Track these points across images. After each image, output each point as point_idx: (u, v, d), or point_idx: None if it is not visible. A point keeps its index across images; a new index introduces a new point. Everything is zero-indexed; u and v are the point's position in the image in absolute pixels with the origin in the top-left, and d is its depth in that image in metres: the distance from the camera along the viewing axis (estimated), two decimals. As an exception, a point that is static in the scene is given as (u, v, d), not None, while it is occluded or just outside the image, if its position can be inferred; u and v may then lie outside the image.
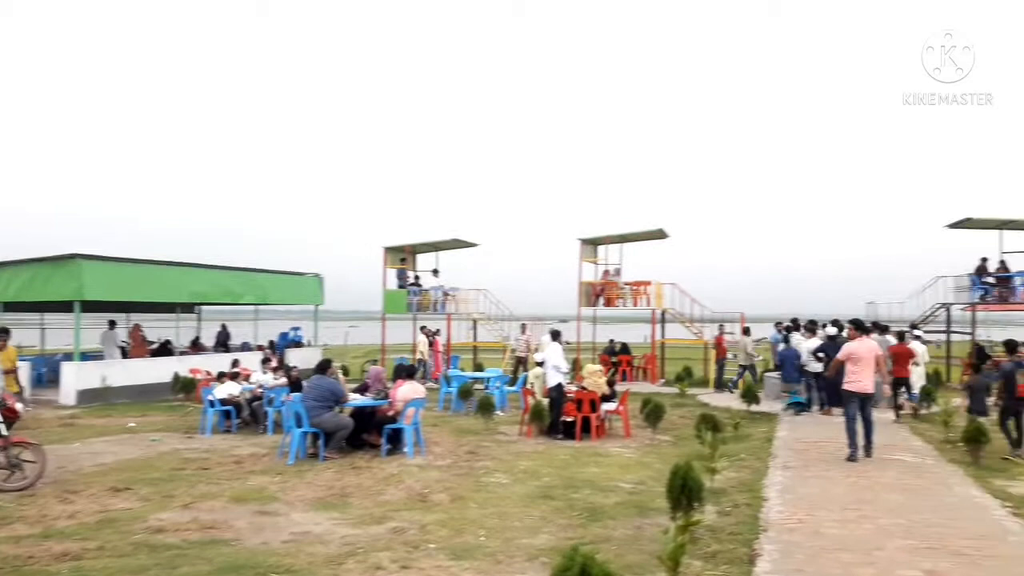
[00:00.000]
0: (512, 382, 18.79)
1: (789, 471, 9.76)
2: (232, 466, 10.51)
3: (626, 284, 24.81)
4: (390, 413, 11.53)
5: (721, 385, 20.85)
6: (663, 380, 23.36)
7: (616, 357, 24.22)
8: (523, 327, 23.55)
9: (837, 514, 7.58)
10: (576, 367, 18.64)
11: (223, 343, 25.14)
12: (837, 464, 10.22)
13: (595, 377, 14.12)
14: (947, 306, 23.19)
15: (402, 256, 25.73)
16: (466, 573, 6.08)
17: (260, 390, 14.34)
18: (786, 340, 18.17)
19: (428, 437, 12.10)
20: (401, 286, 25.29)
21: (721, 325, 22.92)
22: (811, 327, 17.19)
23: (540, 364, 15.19)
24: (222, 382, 14.64)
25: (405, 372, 12.46)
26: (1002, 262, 22.78)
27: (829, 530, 7.01)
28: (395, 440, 11.30)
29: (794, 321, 18.71)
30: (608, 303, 24.75)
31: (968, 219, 22.47)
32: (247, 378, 15.29)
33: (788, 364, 16.76)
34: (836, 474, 9.57)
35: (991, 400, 13.01)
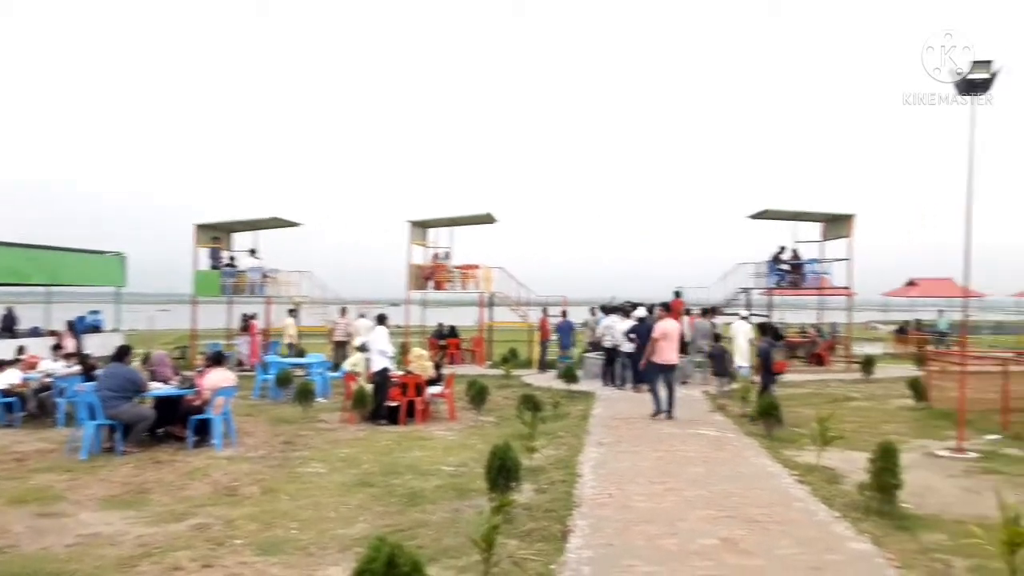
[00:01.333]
0: (335, 368, 18.26)
1: (603, 447, 10.13)
2: (12, 464, 9.47)
3: (455, 268, 24.85)
4: (197, 403, 10.80)
5: (546, 365, 21.38)
6: (490, 362, 23.66)
7: (444, 340, 24.25)
8: (342, 311, 22.93)
9: (645, 488, 7.93)
10: (404, 351, 18.43)
11: (9, 328, 22.60)
12: (647, 439, 10.72)
13: (421, 361, 13.99)
14: (747, 291, 25.07)
15: (215, 235, 24.21)
16: (274, 568, 5.77)
17: (49, 379, 13.00)
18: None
19: (241, 427, 11.48)
20: (215, 267, 23.83)
21: (545, 308, 23.49)
22: (625, 310, 17.94)
23: (361, 349, 14.85)
24: (2, 371, 13.12)
25: (214, 359, 11.72)
26: (795, 251, 24.95)
27: (637, 503, 7.30)
28: (203, 431, 10.60)
29: (614, 305, 19.51)
30: (438, 286, 24.69)
31: (766, 211, 24.38)
32: (33, 366, 13.81)
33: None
34: (645, 449, 10.03)
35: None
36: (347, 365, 14.41)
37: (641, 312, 17.02)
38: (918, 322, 33.25)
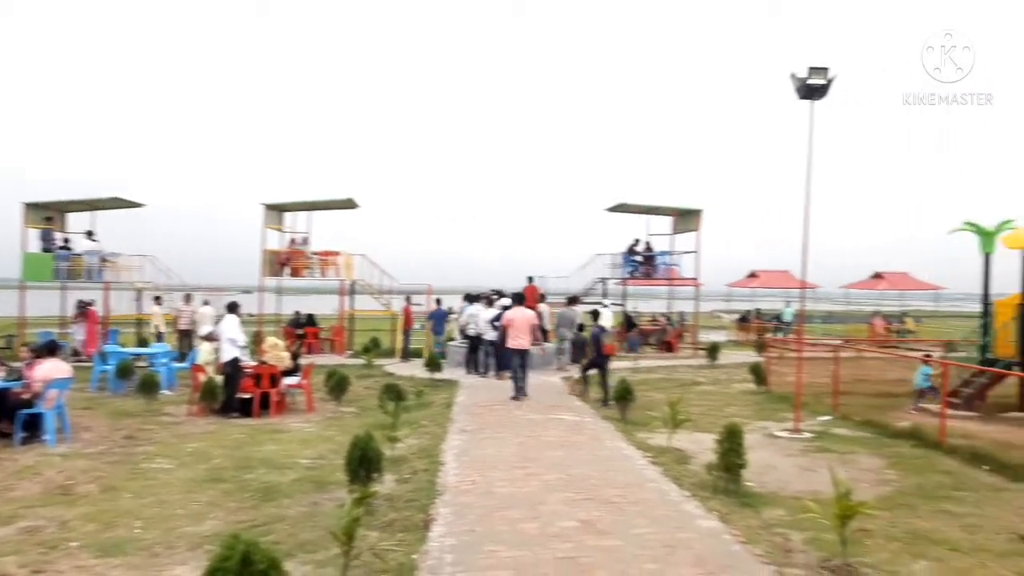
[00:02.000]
0: (181, 358, 17.28)
1: (466, 435, 10.14)
2: None
3: (314, 254, 24.11)
4: (26, 396, 9.90)
5: (409, 354, 21.15)
6: (350, 351, 23.16)
7: (302, 329, 23.50)
8: (187, 297, 21.71)
9: (507, 473, 7.99)
10: (258, 340, 17.68)
11: None
12: (509, 426, 10.83)
13: (276, 351, 13.49)
14: (604, 280, 25.89)
15: (48, 215, 22.23)
16: (116, 571, 5.38)
17: None
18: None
19: (77, 422, 10.65)
20: (46, 249, 21.90)
21: (408, 296, 23.23)
22: (488, 299, 18.07)
23: (207, 338, 14.13)
24: None
25: (46, 349, 10.79)
26: (648, 243, 25.99)
27: (500, 489, 7.35)
28: (33, 427, 9.74)
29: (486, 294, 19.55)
30: (295, 273, 23.87)
31: (623, 204, 25.24)
32: None
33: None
34: (507, 435, 10.13)
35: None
36: (201, 357, 13.63)
37: (505, 301, 17.18)
38: (758, 311, 35.54)
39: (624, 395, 11.72)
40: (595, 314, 14.78)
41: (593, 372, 13.94)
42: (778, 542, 5.94)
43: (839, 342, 24.36)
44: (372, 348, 20.92)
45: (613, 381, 12.93)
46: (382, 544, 5.79)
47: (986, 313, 14.57)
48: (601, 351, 13.65)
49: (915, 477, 8.25)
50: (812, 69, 10.16)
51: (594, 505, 6.83)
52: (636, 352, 23.12)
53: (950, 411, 11.28)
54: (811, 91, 10.32)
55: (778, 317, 33.19)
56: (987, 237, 14.24)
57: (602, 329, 13.93)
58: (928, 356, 15.66)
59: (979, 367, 13.39)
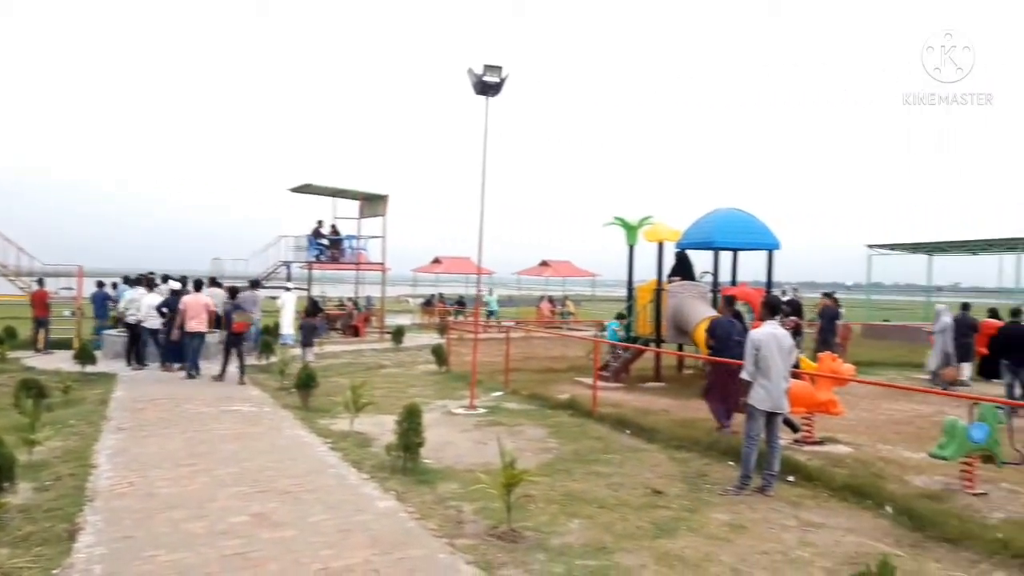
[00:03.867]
0: None
1: (123, 433, 9.15)
2: None
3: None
4: None
5: (50, 345, 18.44)
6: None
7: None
8: None
9: (172, 472, 7.36)
10: None
11: None
12: (176, 421, 9.99)
13: None
14: (287, 264, 25.06)
15: None
16: None
17: None
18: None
19: None
20: None
21: (41, 279, 20.09)
22: (150, 282, 16.39)
23: None
24: None
25: None
26: (333, 226, 25.65)
27: (163, 489, 6.74)
28: None
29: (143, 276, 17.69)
30: None
31: (308, 185, 24.60)
32: None
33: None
34: (174, 431, 9.34)
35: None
36: None
37: (175, 285, 15.81)
38: (441, 295, 36.96)
39: (306, 382, 11.42)
40: (232, 291, 14.99)
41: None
42: (451, 515, 6.19)
43: (512, 324, 26.24)
44: (5, 339, 17.94)
45: (294, 369, 12.56)
46: (13, 562, 4.99)
47: (630, 297, 16.61)
48: (231, 329, 13.80)
49: (572, 444, 9.12)
50: (487, 67, 10.70)
51: (269, 497, 6.56)
52: (320, 338, 22.73)
53: (600, 383, 12.69)
54: (486, 87, 10.86)
55: (460, 301, 34.79)
56: (631, 231, 16.21)
57: (235, 307, 14.01)
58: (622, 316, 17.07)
59: (624, 344, 15.22)
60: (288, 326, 18.99)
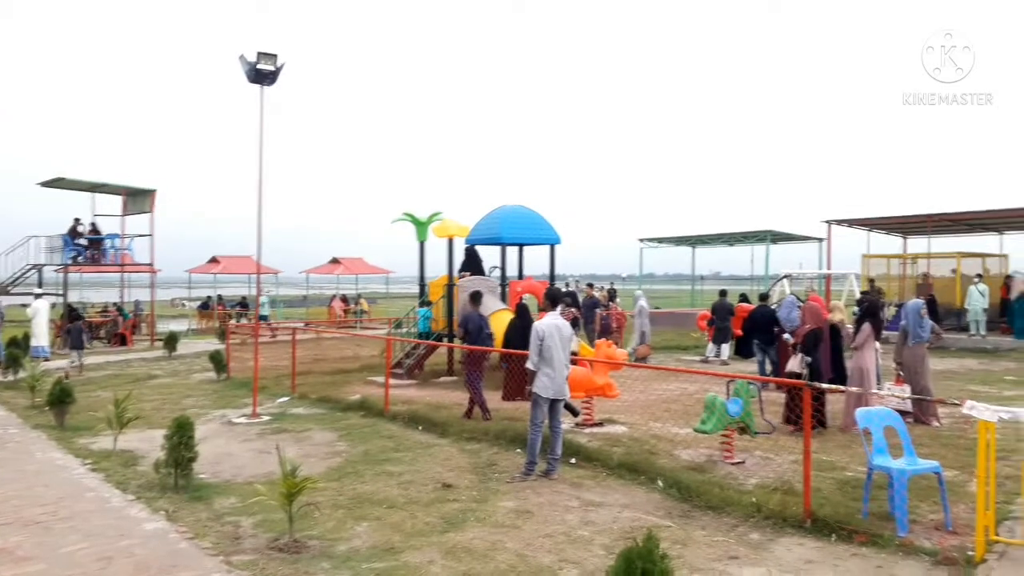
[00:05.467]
0: None
1: None
2: None
3: None
4: None
5: None
6: None
7: None
8: None
9: None
10: None
11: None
12: None
13: None
14: (38, 267, 22.41)
15: None
16: None
17: None
18: None
19: None
20: None
21: None
22: None
23: None
24: None
25: None
26: (93, 224, 23.32)
27: None
28: None
29: None
30: None
31: (60, 179, 22.21)
32: None
33: None
34: None
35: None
36: None
37: None
38: (219, 297, 34.88)
39: (60, 398, 10.24)
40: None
41: None
42: (227, 531, 5.81)
43: (301, 325, 25.34)
44: None
45: (48, 384, 11.25)
46: None
47: (422, 293, 16.61)
48: None
49: (363, 445, 8.93)
50: (261, 54, 10.18)
51: (14, 529, 5.81)
52: (83, 349, 20.61)
53: (393, 381, 12.56)
54: (260, 76, 10.33)
55: (243, 303, 32.98)
56: (421, 227, 16.21)
57: None
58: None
59: (416, 340, 15.18)
60: (42, 337, 17.02)
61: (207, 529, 5.83)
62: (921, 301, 10.64)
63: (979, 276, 21.43)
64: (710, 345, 17.79)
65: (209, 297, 34.69)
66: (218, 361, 15.25)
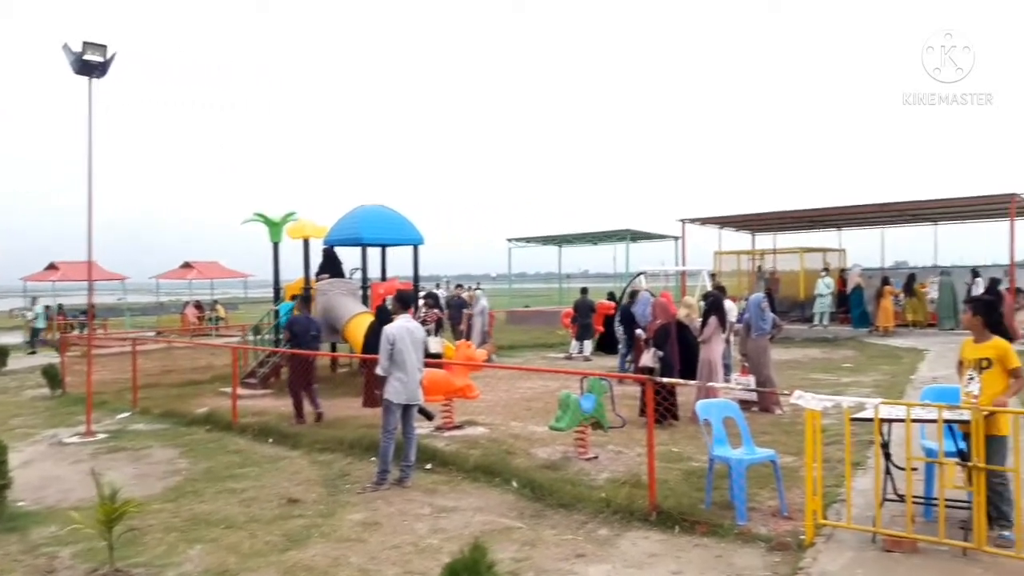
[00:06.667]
0: None
1: None
2: None
3: None
4: None
5: None
6: None
7: None
8: None
9: None
10: None
11: None
12: None
13: None
14: None
15: None
16: None
17: None
18: None
19: None
20: None
21: None
22: None
23: None
24: None
25: None
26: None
27: None
28: None
29: None
30: None
31: None
32: None
33: None
34: None
35: None
36: None
37: None
38: (60, 307, 32.36)
39: None
40: None
41: None
42: (40, 564, 5.30)
43: (151, 334, 23.89)
44: None
45: None
46: None
47: (277, 297, 15.98)
48: None
49: (206, 461, 8.42)
50: (87, 44, 9.42)
51: None
52: None
53: (246, 391, 11.98)
54: (89, 67, 9.57)
55: (84, 312, 30.64)
56: (274, 227, 15.59)
57: None
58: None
59: (271, 349, 14.57)
60: None
61: (17, 563, 5.30)
62: (762, 295, 11.21)
63: (825, 270, 22.99)
64: (573, 342, 18.10)
65: (47, 306, 32.06)
66: (52, 376, 14.05)
